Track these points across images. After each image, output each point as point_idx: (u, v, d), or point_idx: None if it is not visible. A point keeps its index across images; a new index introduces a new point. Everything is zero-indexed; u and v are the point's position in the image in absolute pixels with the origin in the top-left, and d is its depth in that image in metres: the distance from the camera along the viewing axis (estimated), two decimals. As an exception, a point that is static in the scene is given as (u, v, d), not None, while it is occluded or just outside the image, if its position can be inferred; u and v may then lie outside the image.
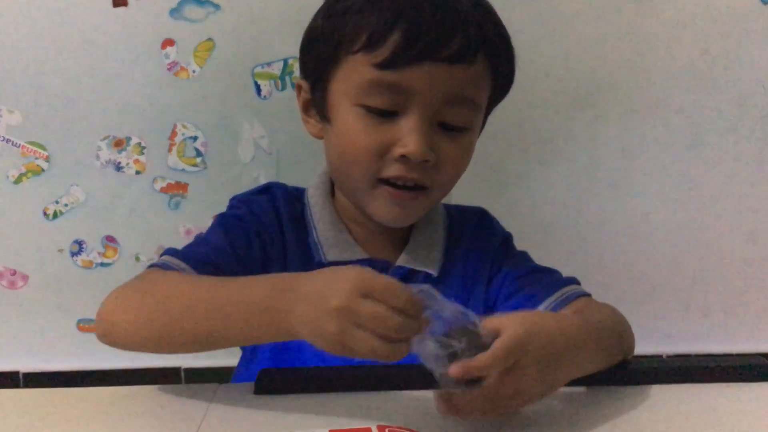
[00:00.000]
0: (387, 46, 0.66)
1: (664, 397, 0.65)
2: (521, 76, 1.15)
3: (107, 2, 1.08)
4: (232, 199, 0.82)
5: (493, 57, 0.71)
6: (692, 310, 1.25)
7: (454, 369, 0.50)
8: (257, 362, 0.80)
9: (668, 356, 1.25)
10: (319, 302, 0.52)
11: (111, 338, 0.66)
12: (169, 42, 1.10)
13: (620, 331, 0.70)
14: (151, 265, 0.70)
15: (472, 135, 0.74)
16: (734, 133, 1.18)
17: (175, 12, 1.09)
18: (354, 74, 0.69)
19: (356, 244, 0.78)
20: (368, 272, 0.53)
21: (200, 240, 0.77)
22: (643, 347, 1.23)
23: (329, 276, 0.55)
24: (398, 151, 0.69)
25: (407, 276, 0.78)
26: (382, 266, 0.76)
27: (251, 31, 1.10)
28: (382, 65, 0.67)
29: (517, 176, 1.19)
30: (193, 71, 1.11)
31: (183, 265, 0.69)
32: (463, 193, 1.17)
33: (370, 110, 0.69)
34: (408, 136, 0.68)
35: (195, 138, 1.14)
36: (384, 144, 0.69)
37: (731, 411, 0.63)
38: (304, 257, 0.78)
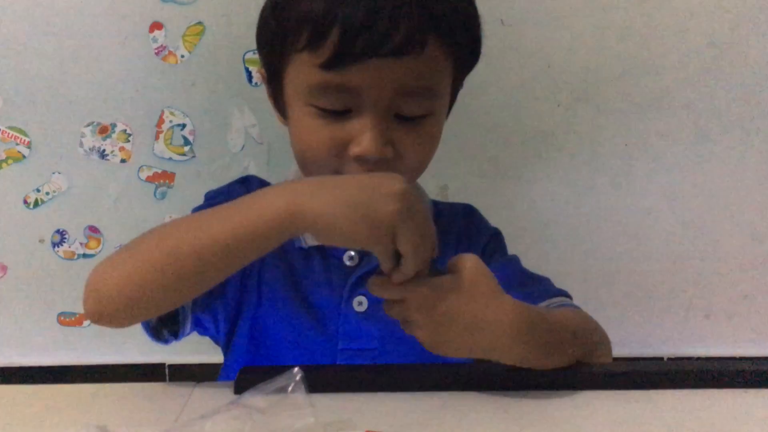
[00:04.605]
0: (327, 45, 0.62)
1: (665, 402, 0.63)
2: (521, 68, 1.15)
3: (93, -17, 1.04)
4: (208, 193, 0.80)
5: (447, 36, 0.66)
6: (694, 312, 1.22)
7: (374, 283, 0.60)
8: (232, 361, 0.78)
9: (669, 359, 1.22)
10: (368, 188, 0.57)
11: (106, 305, 0.61)
12: (157, 25, 1.06)
13: (581, 332, 0.68)
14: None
15: (434, 119, 0.70)
16: (741, 129, 1.15)
17: (163, -6, 1.06)
18: (301, 75, 0.66)
19: None
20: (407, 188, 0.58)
21: None
22: (643, 349, 1.24)
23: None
24: (353, 150, 0.66)
25: None
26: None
27: (243, 15, 1.06)
28: (326, 66, 0.63)
29: (516, 171, 1.16)
30: (182, 56, 1.08)
31: None
32: (459, 187, 1.15)
33: (322, 110, 0.66)
34: (361, 135, 0.65)
35: (183, 126, 1.10)
36: (339, 143, 0.66)
37: (737, 418, 0.60)
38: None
